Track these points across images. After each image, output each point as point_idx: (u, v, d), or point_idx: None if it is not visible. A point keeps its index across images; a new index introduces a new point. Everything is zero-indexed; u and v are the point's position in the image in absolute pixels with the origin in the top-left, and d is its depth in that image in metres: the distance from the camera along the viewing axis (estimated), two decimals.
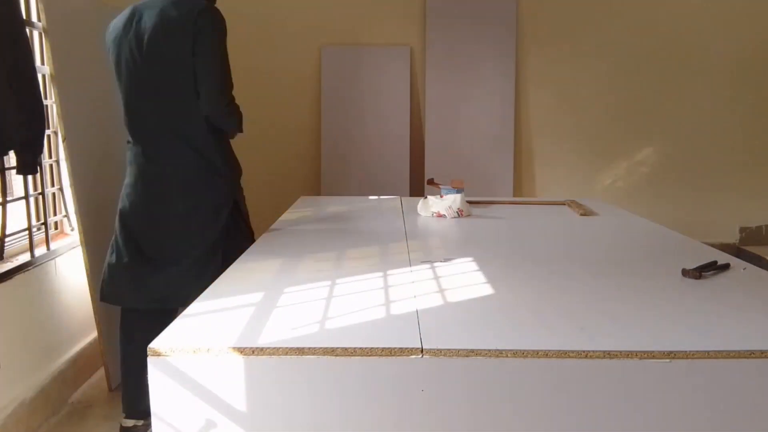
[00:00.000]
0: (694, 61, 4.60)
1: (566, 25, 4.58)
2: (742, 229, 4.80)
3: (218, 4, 2.35)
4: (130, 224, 2.32)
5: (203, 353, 1.30)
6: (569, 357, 1.27)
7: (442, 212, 2.82)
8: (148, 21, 2.20)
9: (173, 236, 2.32)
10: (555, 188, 4.71)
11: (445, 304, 1.60)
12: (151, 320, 2.15)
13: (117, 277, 2.30)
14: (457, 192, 2.97)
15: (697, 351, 1.28)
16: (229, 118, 2.37)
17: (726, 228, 4.81)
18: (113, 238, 2.34)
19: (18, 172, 2.31)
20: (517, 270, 1.97)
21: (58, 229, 2.84)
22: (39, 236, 2.58)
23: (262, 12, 4.57)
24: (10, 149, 2.15)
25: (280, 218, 2.87)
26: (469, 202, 2.95)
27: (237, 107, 2.41)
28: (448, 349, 1.29)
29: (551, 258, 2.13)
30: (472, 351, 1.28)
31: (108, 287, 2.32)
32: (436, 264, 1.98)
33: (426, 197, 2.97)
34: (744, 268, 1.92)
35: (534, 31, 4.59)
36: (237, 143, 4.72)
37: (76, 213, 2.56)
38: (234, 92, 2.36)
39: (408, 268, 1.92)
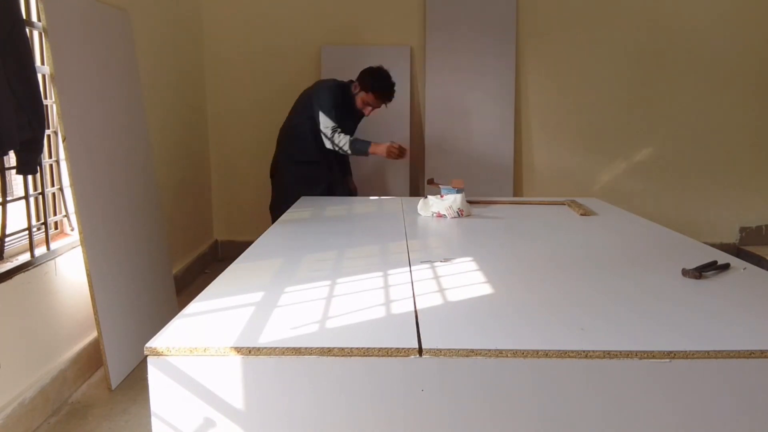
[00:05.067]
0: (694, 60, 4.60)
1: (566, 26, 4.58)
2: (742, 229, 4.80)
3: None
4: None
5: (202, 353, 1.30)
6: (569, 357, 1.27)
7: (443, 212, 2.82)
8: None
9: None
10: (555, 188, 4.71)
11: (445, 304, 1.60)
12: None
13: None
14: (457, 192, 2.97)
15: (697, 351, 1.28)
16: None
17: (726, 228, 4.81)
18: None
19: (18, 172, 2.31)
20: (517, 270, 1.97)
21: (58, 229, 2.83)
22: (39, 236, 2.58)
23: (262, 12, 4.57)
24: (11, 149, 2.15)
25: (280, 218, 2.87)
26: (469, 202, 2.95)
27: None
28: (448, 349, 1.28)
29: (551, 258, 2.13)
30: (472, 351, 1.28)
31: None
32: (436, 264, 1.97)
33: (426, 197, 2.97)
34: (744, 268, 1.92)
35: (534, 32, 4.59)
36: (238, 143, 4.74)
37: (76, 213, 2.55)
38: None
39: (408, 268, 1.92)
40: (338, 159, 3.82)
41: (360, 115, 3.73)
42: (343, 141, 3.50)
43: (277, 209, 3.68)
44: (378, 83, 3.52)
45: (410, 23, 4.59)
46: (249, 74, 4.65)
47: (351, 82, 3.67)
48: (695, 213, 4.76)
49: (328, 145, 3.55)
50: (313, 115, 3.58)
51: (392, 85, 3.56)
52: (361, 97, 3.58)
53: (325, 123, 3.52)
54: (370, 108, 3.62)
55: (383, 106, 3.66)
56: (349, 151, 3.54)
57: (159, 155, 3.63)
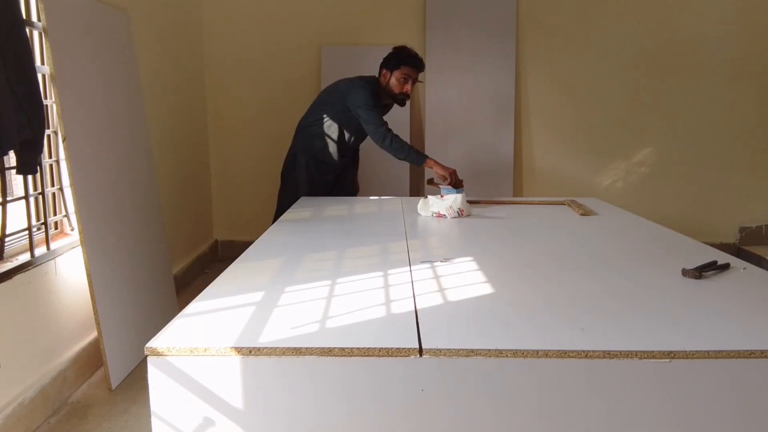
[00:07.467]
0: (694, 60, 4.60)
1: (566, 26, 4.59)
2: (742, 229, 4.80)
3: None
4: None
5: (202, 353, 1.30)
6: (569, 357, 1.27)
7: (443, 212, 2.82)
8: None
9: None
10: (555, 188, 4.71)
11: (445, 304, 1.60)
12: None
13: None
14: (458, 192, 2.97)
15: (697, 351, 1.28)
16: None
17: (726, 228, 4.81)
18: None
19: (18, 172, 2.31)
20: (517, 270, 1.97)
21: (58, 229, 2.83)
22: (39, 236, 2.58)
23: (262, 12, 4.57)
24: (10, 149, 2.15)
25: (280, 218, 2.87)
26: (469, 202, 2.95)
27: None
28: (448, 349, 1.28)
29: (551, 258, 2.13)
30: (472, 351, 1.28)
31: None
32: (436, 264, 1.97)
33: (426, 197, 2.97)
34: (744, 268, 1.92)
35: (534, 32, 4.59)
36: (238, 143, 4.74)
37: (76, 213, 2.55)
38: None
39: (408, 268, 1.92)
40: (353, 158, 3.80)
41: (387, 109, 3.64)
42: (398, 145, 3.38)
43: (285, 196, 3.62)
44: (404, 54, 3.40)
45: (410, 23, 4.59)
46: (249, 74, 4.65)
47: (373, 78, 3.53)
48: (695, 213, 4.77)
49: (378, 143, 3.43)
50: (334, 115, 3.50)
51: (415, 53, 3.45)
52: (395, 77, 3.41)
53: (376, 122, 3.38)
54: (410, 83, 3.45)
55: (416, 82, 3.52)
56: (401, 156, 3.41)
57: (159, 155, 3.63)
